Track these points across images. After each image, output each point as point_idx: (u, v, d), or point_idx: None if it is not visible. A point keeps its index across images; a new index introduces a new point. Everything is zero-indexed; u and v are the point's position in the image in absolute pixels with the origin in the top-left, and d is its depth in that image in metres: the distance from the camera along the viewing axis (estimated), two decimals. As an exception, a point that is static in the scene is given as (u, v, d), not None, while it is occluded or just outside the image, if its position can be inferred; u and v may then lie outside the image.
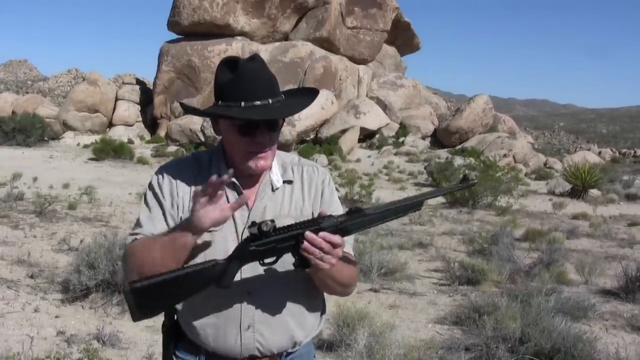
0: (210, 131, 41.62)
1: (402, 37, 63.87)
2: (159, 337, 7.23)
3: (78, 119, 50.89)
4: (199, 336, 2.66)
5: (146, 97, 54.16)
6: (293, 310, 2.69)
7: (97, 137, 46.04)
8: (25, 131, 44.03)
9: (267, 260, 2.51)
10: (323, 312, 2.88)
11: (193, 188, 2.63)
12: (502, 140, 49.78)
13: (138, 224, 2.69)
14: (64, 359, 6.23)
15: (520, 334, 7.00)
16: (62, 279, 9.15)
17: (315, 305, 2.80)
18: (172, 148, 43.58)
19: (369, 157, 46.96)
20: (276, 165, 2.75)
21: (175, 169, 2.74)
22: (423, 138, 53.58)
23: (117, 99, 54.17)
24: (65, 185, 22.95)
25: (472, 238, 14.81)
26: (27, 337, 6.91)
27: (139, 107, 54.63)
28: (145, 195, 2.75)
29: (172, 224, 2.62)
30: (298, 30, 53.49)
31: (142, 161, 38.07)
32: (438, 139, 53.32)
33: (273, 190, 2.72)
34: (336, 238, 2.42)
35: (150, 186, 2.74)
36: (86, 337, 7.18)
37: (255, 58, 2.59)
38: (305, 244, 2.39)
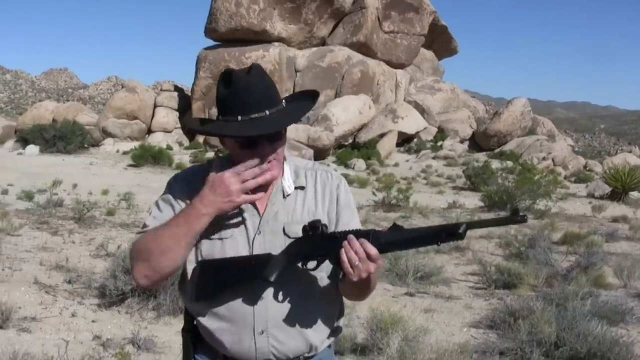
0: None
1: (439, 41, 63.71)
2: (192, 342, 7.28)
3: (117, 126, 51.33)
4: (216, 341, 2.65)
5: (184, 104, 54.48)
6: (309, 314, 2.66)
7: (136, 144, 46.43)
8: (65, 138, 44.54)
9: (309, 265, 2.53)
10: (341, 315, 2.83)
11: None
12: (541, 143, 49.49)
13: (144, 224, 2.68)
14: (99, 362, 6.29)
15: (555, 338, 6.95)
16: (99, 284, 9.23)
17: (332, 309, 2.76)
18: (210, 154, 43.83)
19: (407, 161, 46.90)
20: (288, 171, 2.73)
21: (190, 176, 2.74)
22: (461, 142, 53.38)
23: (155, 106, 54.56)
24: (104, 192, 23.16)
25: (509, 241, 14.72)
26: (63, 342, 6.99)
27: (177, 113, 54.96)
28: (156, 201, 2.75)
29: None
30: (335, 35, 53.55)
31: (180, 167, 38.18)
32: (476, 142, 53.12)
33: (284, 196, 2.69)
34: (372, 249, 2.38)
35: (164, 191, 2.75)
36: (122, 342, 7.24)
37: (251, 69, 2.56)
38: (345, 245, 2.39)
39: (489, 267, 11.51)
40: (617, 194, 30.55)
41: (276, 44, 50.44)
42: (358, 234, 2.44)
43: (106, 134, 51.15)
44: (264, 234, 2.60)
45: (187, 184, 2.69)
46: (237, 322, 2.60)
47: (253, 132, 2.47)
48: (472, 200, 27.25)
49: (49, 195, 19.50)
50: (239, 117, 2.49)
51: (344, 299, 2.83)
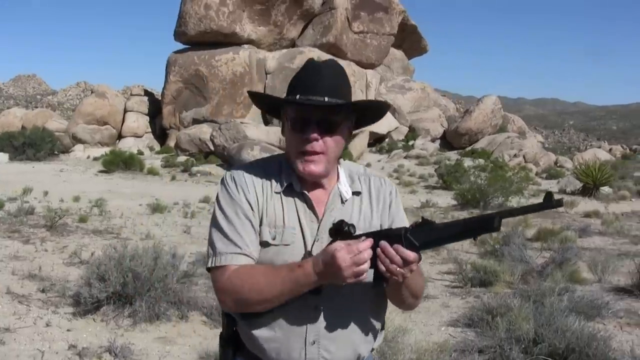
0: (219, 140, 41.68)
1: (409, 41, 63.93)
2: (171, 348, 7.26)
3: (87, 132, 51.07)
4: (261, 349, 2.58)
5: (155, 108, 54.32)
6: (359, 325, 2.62)
7: (106, 150, 46.14)
8: (35, 145, 44.23)
9: None
10: (384, 324, 2.84)
11: (268, 194, 2.60)
12: (512, 141, 49.78)
13: (228, 240, 2.56)
14: (76, 372, 6.23)
15: (533, 335, 6.96)
16: (73, 293, 9.14)
17: (379, 318, 2.75)
18: (181, 158, 43.65)
19: (379, 161, 47.00)
20: (344, 176, 2.70)
21: (246, 179, 2.65)
22: (433, 141, 53.58)
23: (125, 111, 54.37)
24: (75, 199, 22.97)
25: (484, 239, 14.74)
26: (38, 352, 6.91)
27: (147, 118, 54.81)
28: (221, 209, 2.62)
29: (256, 235, 2.57)
30: (305, 37, 53.56)
31: (152, 172, 38.15)
32: (448, 141, 53.32)
33: (343, 202, 2.65)
34: (409, 254, 2.33)
35: (225, 200, 2.63)
36: (98, 350, 7.17)
37: (329, 60, 2.59)
38: (379, 254, 2.34)
39: (464, 266, 11.54)
40: (588, 190, 30.79)
41: (246, 46, 50.38)
42: (389, 234, 2.38)
43: (76, 140, 50.87)
44: (322, 241, 2.54)
45: (246, 185, 2.63)
46: (289, 331, 2.55)
47: (300, 101, 2.48)
48: (445, 199, 27.35)
49: (20, 203, 19.30)
50: (298, 96, 2.49)
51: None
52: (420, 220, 2.40)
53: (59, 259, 12.30)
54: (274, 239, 2.54)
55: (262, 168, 2.67)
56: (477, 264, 11.50)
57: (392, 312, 8.26)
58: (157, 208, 20.16)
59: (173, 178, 36.54)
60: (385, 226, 2.66)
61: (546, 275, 11.05)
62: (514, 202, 23.86)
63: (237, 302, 2.49)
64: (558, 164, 49.75)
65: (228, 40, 49.82)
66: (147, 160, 42.38)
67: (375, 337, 2.73)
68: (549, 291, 9.13)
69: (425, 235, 2.36)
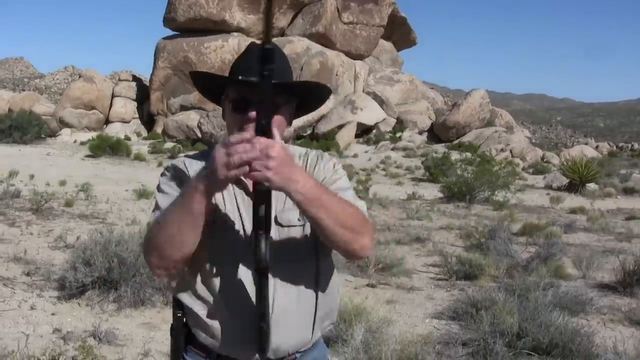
0: (207, 127, 41.65)
1: (398, 32, 63.89)
2: (155, 334, 7.23)
3: (75, 116, 50.92)
4: (210, 338, 2.55)
5: (142, 94, 54.21)
6: (306, 308, 2.58)
7: (93, 134, 46.06)
8: (21, 128, 44.06)
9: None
10: (334, 311, 2.75)
11: None
12: (499, 135, 49.87)
13: (157, 206, 2.56)
14: (60, 356, 6.20)
15: (517, 329, 6.97)
16: (58, 276, 9.11)
17: (328, 301, 2.67)
18: (168, 144, 43.61)
19: (366, 152, 46.99)
20: None
21: (183, 163, 2.63)
22: (420, 133, 53.59)
23: (113, 96, 54.22)
24: (62, 183, 22.91)
25: (470, 233, 14.78)
26: (23, 335, 6.88)
27: (135, 103, 54.70)
28: (158, 184, 2.63)
29: None
30: (294, 26, 53.51)
31: (138, 158, 38.07)
32: (435, 133, 53.38)
33: None
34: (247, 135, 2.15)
35: (163, 174, 2.64)
36: (82, 334, 7.15)
37: (271, 44, 2.53)
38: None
39: (449, 258, 11.54)
40: (575, 186, 30.89)
41: (235, 34, 50.32)
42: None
43: (63, 124, 50.71)
44: None
45: (184, 168, 2.60)
46: (236, 316, 2.49)
47: (240, 79, 2.44)
48: (431, 192, 27.38)
49: (6, 186, 19.23)
50: (240, 77, 2.45)
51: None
52: None
53: (44, 243, 12.26)
54: (214, 222, 2.45)
55: (203, 157, 2.65)
56: (463, 257, 11.51)
57: (377, 303, 8.29)
58: (143, 194, 20.12)
59: (160, 164, 36.40)
60: None
61: (531, 270, 11.07)
62: (500, 196, 23.91)
63: (153, 252, 2.42)
64: (545, 160, 49.92)
65: (217, 27, 49.76)
66: (134, 146, 42.29)
67: (324, 318, 2.69)
68: (534, 286, 9.16)
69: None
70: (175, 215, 2.33)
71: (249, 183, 2.40)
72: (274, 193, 2.33)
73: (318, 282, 2.62)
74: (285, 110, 2.55)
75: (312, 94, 2.65)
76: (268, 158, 2.11)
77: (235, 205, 2.53)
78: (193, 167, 2.59)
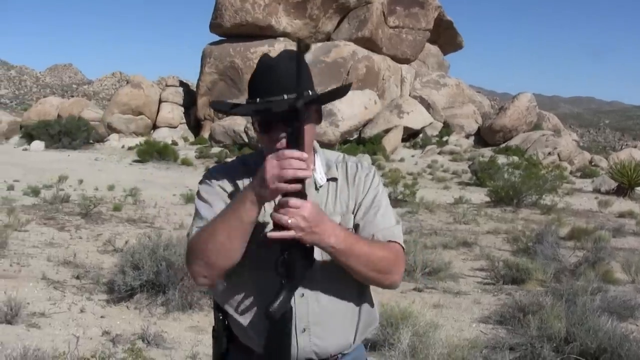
0: (253, 132, 41.88)
1: (444, 36, 63.60)
2: (202, 337, 7.30)
3: (122, 122, 51.38)
4: (253, 340, 2.59)
5: (189, 99, 54.55)
6: (347, 310, 2.64)
7: (141, 139, 46.43)
8: (70, 134, 44.61)
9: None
10: (374, 314, 2.83)
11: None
12: (547, 139, 49.36)
13: (198, 216, 2.60)
14: (109, 358, 6.29)
15: (565, 334, 6.93)
16: (107, 280, 9.25)
17: (370, 310, 2.77)
18: (215, 149, 43.82)
19: (413, 156, 46.79)
20: (319, 163, 2.68)
21: (223, 172, 2.69)
22: (467, 137, 53.25)
23: (160, 101, 54.60)
24: (110, 187, 23.16)
25: (517, 237, 14.69)
26: (73, 337, 6.98)
27: (182, 109, 55.01)
28: (198, 192, 2.67)
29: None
30: (340, 31, 53.49)
31: (186, 162, 38.34)
32: (482, 137, 52.97)
33: (317, 188, 2.64)
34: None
35: (203, 182, 2.68)
36: (131, 337, 7.24)
37: (281, 53, 2.55)
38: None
39: (497, 263, 11.49)
40: (623, 190, 30.50)
41: (281, 39, 50.40)
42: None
43: (111, 129, 51.20)
44: None
45: (222, 180, 2.65)
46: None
47: (258, 108, 2.47)
48: (478, 196, 27.23)
49: (55, 191, 19.51)
50: (257, 100, 2.49)
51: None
52: None
53: (93, 247, 12.44)
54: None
55: (242, 161, 2.73)
56: (510, 261, 11.47)
57: (424, 307, 8.27)
58: (190, 198, 20.24)
59: (207, 169, 36.45)
60: (362, 209, 2.66)
61: (579, 274, 10.99)
62: (548, 200, 23.73)
63: (200, 261, 2.47)
64: (593, 163, 49.34)
65: (263, 32, 49.91)
66: (181, 151, 42.60)
67: (366, 326, 2.75)
68: (582, 290, 9.09)
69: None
70: (224, 224, 2.38)
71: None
72: (315, 196, 2.54)
73: (361, 292, 2.70)
74: (310, 113, 2.54)
75: (332, 93, 2.61)
76: (301, 219, 2.25)
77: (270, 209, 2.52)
78: (230, 175, 2.66)
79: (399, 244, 2.65)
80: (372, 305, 2.78)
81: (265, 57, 2.56)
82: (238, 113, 2.61)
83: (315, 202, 2.45)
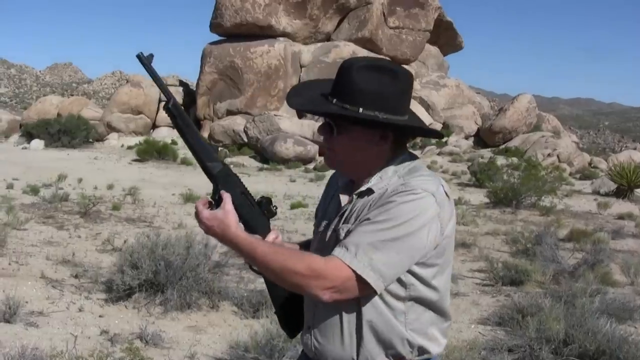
0: (253, 132, 41.95)
1: (444, 37, 63.56)
2: (201, 337, 7.31)
3: (122, 121, 51.31)
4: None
5: (189, 99, 54.46)
6: (345, 322, 2.52)
7: (140, 139, 46.37)
8: (70, 133, 44.54)
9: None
10: (400, 333, 2.54)
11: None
12: (546, 140, 49.37)
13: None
14: (107, 357, 6.29)
15: (564, 336, 6.93)
16: (105, 279, 9.25)
17: (384, 323, 2.52)
18: (215, 148, 43.77)
19: (412, 157, 46.71)
20: (377, 176, 2.58)
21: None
22: (466, 138, 53.27)
23: (160, 101, 54.45)
24: (109, 186, 23.13)
25: (516, 238, 14.68)
26: (71, 336, 6.99)
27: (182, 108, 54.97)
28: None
29: None
30: (340, 31, 53.45)
31: (185, 162, 38.27)
32: (481, 138, 53.00)
33: (355, 196, 2.60)
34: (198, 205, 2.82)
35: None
36: (129, 337, 7.24)
37: (361, 61, 2.61)
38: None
39: (495, 264, 11.49)
40: (623, 191, 30.46)
41: (281, 39, 50.38)
42: None
43: (111, 128, 51.13)
44: (337, 232, 2.61)
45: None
46: (304, 310, 2.72)
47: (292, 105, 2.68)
48: (477, 197, 27.21)
49: (55, 190, 19.48)
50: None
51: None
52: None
53: (92, 246, 12.44)
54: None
55: None
56: (509, 262, 11.47)
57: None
58: (189, 198, 20.23)
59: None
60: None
61: (578, 276, 10.99)
62: (547, 201, 23.72)
63: None
64: (592, 165, 49.36)
65: (264, 32, 49.86)
66: (180, 151, 42.50)
67: (383, 346, 2.53)
68: (581, 292, 9.10)
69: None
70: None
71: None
72: (353, 202, 2.64)
73: (366, 307, 2.49)
74: (352, 131, 2.57)
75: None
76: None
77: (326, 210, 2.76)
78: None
79: (344, 263, 2.37)
80: (393, 326, 2.49)
81: (348, 59, 2.68)
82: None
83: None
